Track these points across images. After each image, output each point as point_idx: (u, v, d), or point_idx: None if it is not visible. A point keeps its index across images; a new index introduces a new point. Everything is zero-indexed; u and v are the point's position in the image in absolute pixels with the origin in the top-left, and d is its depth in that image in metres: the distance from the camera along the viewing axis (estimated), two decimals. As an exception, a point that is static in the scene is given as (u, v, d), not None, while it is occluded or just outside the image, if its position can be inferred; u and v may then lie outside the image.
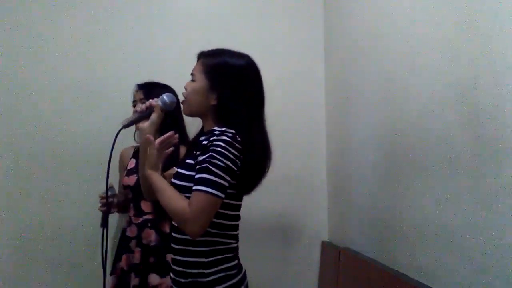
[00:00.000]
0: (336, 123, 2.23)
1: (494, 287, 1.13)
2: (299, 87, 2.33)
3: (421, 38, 1.47)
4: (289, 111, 2.29)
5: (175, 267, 1.20)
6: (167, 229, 1.73)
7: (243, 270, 1.24)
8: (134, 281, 1.67)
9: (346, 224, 2.09)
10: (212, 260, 1.15)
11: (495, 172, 1.13)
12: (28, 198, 1.98)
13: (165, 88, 1.83)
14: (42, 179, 1.99)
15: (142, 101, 1.77)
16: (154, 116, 1.24)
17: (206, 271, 1.14)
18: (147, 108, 1.26)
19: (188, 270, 1.16)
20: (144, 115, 1.25)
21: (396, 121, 1.62)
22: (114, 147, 1.22)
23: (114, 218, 2.02)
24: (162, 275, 1.67)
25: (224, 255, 1.18)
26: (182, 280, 1.18)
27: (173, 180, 1.20)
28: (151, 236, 1.72)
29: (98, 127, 2.04)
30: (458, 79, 1.27)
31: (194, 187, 1.08)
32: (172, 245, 1.22)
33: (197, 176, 1.09)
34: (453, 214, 1.29)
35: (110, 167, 1.23)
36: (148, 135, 1.19)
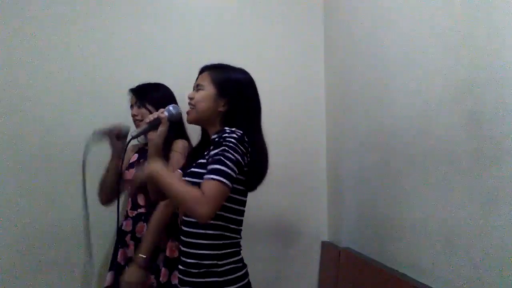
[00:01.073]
0: (336, 123, 2.23)
1: (494, 287, 1.13)
2: (299, 87, 2.33)
3: (420, 38, 1.47)
4: (289, 111, 2.29)
5: (186, 260, 1.28)
6: None
7: (246, 266, 1.34)
8: None
9: (346, 224, 2.09)
10: (224, 252, 1.26)
11: (495, 172, 1.13)
12: (28, 198, 1.98)
13: (157, 89, 1.84)
14: (42, 179, 1.99)
15: (137, 104, 1.81)
16: (161, 128, 1.37)
17: (219, 262, 1.24)
18: (155, 119, 1.37)
19: (202, 262, 1.25)
20: (152, 127, 1.37)
21: (396, 121, 1.62)
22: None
23: (112, 217, 2.03)
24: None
25: (233, 249, 1.29)
26: (195, 270, 1.26)
27: (186, 178, 1.30)
28: (143, 229, 1.73)
29: (98, 127, 2.04)
30: (458, 79, 1.27)
31: (207, 176, 1.16)
32: (183, 238, 1.30)
33: (210, 166, 1.18)
34: (453, 214, 1.29)
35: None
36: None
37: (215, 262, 1.24)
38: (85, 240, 1.98)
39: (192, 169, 1.30)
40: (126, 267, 1.70)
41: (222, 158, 1.18)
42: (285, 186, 2.26)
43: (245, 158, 1.24)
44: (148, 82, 1.87)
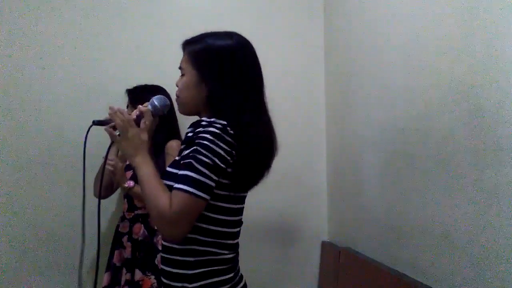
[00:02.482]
0: (336, 123, 2.23)
1: (494, 287, 1.13)
2: (299, 87, 2.33)
3: (421, 37, 1.47)
4: (289, 111, 2.29)
5: (163, 280, 1.07)
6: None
7: (241, 285, 1.09)
8: (126, 276, 1.69)
9: (346, 224, 2.09)
10: (197, 272, 1.00)
11: (495, 172, 1.13)
12: (28, 198, 1.97)
13: (153, 91, 1.80)
14: (41, 179, 1.99)
15: (128, 107, 1.81)
16: (146, 122, 1.13)
17: (189, 286, 0.99)
18: (137, 116, 1.14)
19: (172, 283, 1.02)
20: (136, 123, 1.15)
21: (396, 121, 1.62)
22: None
23: (109, 215, 2.04)
24: (145, 271, 1.68)
25: (214, 267, 1.02)
26: None
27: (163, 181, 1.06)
28: (140, 230, 1.74)
29: (98, 127, 2.03)
30: (458, 79, 1.27)
31: (176, 185, 0.94)
32: (161, 254, 1.09)
33: (179, 172, 0.95)
34: (453, 214, 1.29)
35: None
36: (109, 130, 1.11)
37: (185, 285, 1.00)
38: (82, 240, 2.00)
39: (168, 169, 1.06)
40: (123, 268, 1.71)
41: (192, 162, 0.93)
42: (285, 186, 2.26)
43: (228, 157, 0.97)
44: (146, 83, 1.87)
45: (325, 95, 2.36)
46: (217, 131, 0.96)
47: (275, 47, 2.29)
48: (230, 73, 1.05)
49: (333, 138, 2.27)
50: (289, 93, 2.30)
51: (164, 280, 1.06)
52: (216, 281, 1.01)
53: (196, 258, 1.01)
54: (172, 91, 1.79)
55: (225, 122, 0.98)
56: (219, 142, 0.95)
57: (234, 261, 1.09)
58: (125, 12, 2.14)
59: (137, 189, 1.67)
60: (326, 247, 2.24)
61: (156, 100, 1.20)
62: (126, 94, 1.86)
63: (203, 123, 0.98)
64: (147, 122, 1.13)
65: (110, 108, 1.12)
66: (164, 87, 1.87)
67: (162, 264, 1.07)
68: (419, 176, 1.47)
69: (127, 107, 1.84)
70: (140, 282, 1.66)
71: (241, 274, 1.12)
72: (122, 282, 1.69)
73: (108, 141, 1.28)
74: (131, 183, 1.69)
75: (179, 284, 1.01)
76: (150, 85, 1.86)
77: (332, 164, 2.29)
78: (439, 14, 1.37)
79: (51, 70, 2.03)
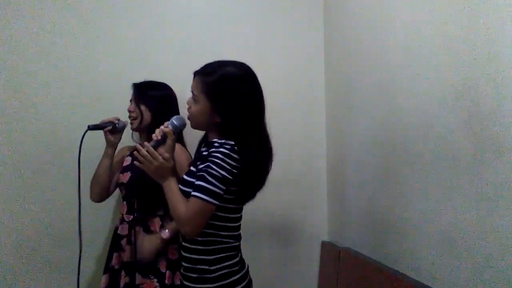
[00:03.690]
0: (336, 123, 2.23)
1: (494, 287, 1.13)
2: (299, 87, 2.33)
3: (421, 38, 1.47)
4: (289, 111, 2.29)
5: (184, 264, 1.34)
6: (155, 227, 1.72)
7: (246, 267, 1.36)
8: (125, 279, 1.67)
9: (346, 224, 2.09)
10: (215, 258, 1.28)
11: (495, 172, 1.13)
12: (26, 198, 1.97)
13: (158, 89, 1.83)
14: (41, 179, 1.99)
15: (131, 101, 1.81)
16: (169, 141, 1.36)
17: (211, 268, 1.28)
18: (161, 136, 1.36)
19: (196, 266, 1.30)
20: (160, 142, 1.36)
21: (396, 121, 1.62)
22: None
23: (108, 217, 2.04)
24: (144, 275, 1.66)
25: (226, 254, 1.30)
26: (192, 275, 1.31)
27: (179, 186, 1.32)
28: (139, 233, 1.71)
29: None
30: (458, 79, 1.27)
31: (192, 193, 1.22)
32: (183, 243, 1.35)
33: (195, 183, 1.23)
34: (453, 214, 1.29)
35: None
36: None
37: (206, 267, 1.28)
38: (80, 242, 1.99)
39: (184, 177, 1.33)
40: (122, 271, 1.69)
41: (205, 174, 1.21)
42: (285, 186, 2.26)
43: (235, 171, 1.23)
44: (153, 80, 1.87)
45: (325, 95, 2.36)
46: (226, 151, 1.22)
47: (275, 47, 2.29)
48: (238, 102, 1.27)
49: (333, 137, 2.27)
50: (289, 93, 2.30)
51: (186, 264, 1.33)
52: (230, 264, 1.30)
53: (214, 247, 1.29)
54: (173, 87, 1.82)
55: (233, 142, 1.24)
56: (227, 159, 1.21)
57: (239, 248, 1.37)
58: (125, 12, 2.14)
59: (169, 235, 1.65)
60: (326, 247, 2.24)
61: (175, 120, 1.40)
62: (132, 88, 1.84)
63: (216, 144, 1.25)
64: (170, 141, 1.35)
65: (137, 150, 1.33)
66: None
67: (185, 252, 1.33)
68: (419, 176, 1.47)
69: (130, 100, 1.84)
70: (142, 286, 1.65)
71: (243, 258, 1.38)
72: (121, 285, 1.67)
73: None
74: (166, 233, 1.65)
75: (202, 267, 1.28)
76: (155, 82, 1.85)
77: (332, 163, 2.29)
78: (439, 14, 1.37)
79: (50, 70, 2.03)
